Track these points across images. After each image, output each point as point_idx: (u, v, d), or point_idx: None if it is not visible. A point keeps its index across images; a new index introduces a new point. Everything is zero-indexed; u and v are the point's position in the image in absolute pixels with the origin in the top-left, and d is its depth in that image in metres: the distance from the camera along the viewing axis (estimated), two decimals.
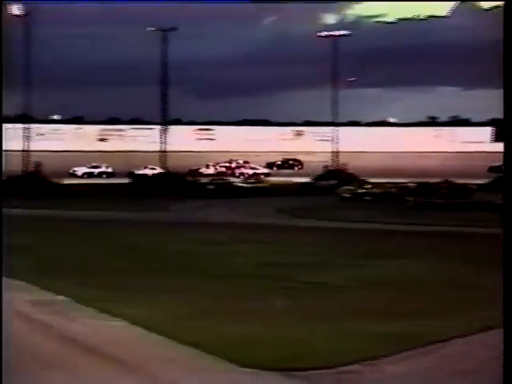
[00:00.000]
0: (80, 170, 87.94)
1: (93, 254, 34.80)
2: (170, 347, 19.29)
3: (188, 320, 21.54)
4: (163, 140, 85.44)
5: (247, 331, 19.49)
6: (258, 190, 72.86)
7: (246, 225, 50.17)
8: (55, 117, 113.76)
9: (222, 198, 68.29)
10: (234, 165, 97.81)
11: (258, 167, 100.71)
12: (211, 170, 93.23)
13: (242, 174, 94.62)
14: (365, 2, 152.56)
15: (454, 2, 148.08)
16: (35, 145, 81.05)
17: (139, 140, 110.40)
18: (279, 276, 28.66)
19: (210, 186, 73.79)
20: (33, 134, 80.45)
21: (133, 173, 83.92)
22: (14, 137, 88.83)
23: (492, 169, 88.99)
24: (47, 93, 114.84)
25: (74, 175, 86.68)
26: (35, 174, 74.66)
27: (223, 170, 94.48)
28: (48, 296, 24.99)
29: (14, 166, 75.35)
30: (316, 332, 19.36)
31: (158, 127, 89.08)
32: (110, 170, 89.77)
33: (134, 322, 21.36)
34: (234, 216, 56.08)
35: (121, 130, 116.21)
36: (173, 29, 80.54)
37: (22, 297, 24.76)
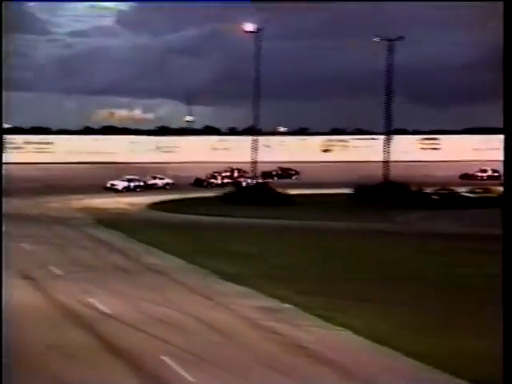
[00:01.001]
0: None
1: (317, 262, 35.21)
2: (393, 357, 19.28)
3: (418, 332, 21.41)
4: (386, 150, 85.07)
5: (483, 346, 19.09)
6: (486, 201, 70.58)
7: (471, 235, 48.88)
8: (281, 129, 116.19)
9: (448, 208, 66.99)
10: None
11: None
12: None
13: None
14: None
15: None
16: (261, 156, 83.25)
17: (362, 150, 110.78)
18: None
19: (435, 196, 72.73)
20: (260, 146, 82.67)
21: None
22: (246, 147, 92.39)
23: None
24: (274, 105, 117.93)
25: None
26: (264, 184, 76.65)
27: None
28: (274, 303, 25.58)
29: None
30: None
31: (382, 137, 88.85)
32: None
33: (358, 332, 21.55)
34: (459, 227, 54.76)
35: (344, 140, 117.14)
36: (400, 38, 79.94)
37: (250, 303, 25.51)
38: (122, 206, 61.81)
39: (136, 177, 78.70)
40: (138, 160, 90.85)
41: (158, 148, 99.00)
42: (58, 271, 29.56)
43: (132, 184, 76.57)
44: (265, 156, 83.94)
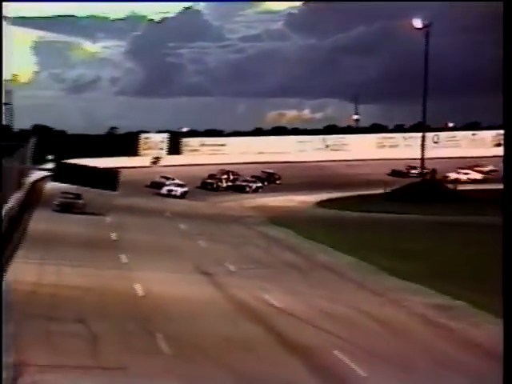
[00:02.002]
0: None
1: (484, 259, 34.34)
2: None
3: None
4: None
5: None
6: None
7: None
8: (450, 124, 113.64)
9: None
10: None
11: None
12: None
13: None
14: None
15: None
16: (432, 152, 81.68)
17: None
18: None
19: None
20: (429, 142, 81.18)
21: None
22: (411, 145, 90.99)
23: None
24: (442, 101, 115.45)
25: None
26: (431, 180, 75.24)
27: None
28: (445, 300, 25.31)
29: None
30: None
31: None
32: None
33: None
34: None
35: None
36: None
37: (421, 300, 25.33)
38: (292, 204, 62.35)
39: None
40: (306, 159, 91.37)
41: (326, 147, 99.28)
42: (232, 268, 30.20)
43: None
44: (434, 152, 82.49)
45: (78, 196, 44.95)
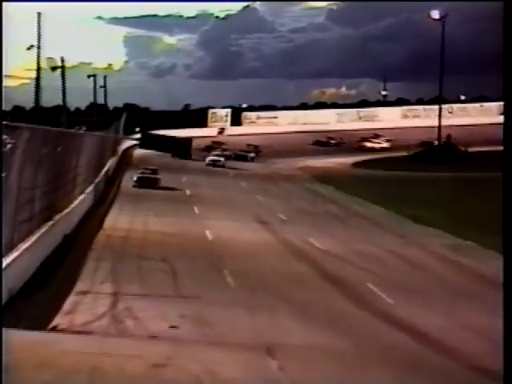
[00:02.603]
0: None
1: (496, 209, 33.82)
2: None
3: None
4: None
5: None
6: None
7: None
8: (462, 97, 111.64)
9: None
10: None
11: None
12: None
13: None
14: None
15: None
16: (447, 121, 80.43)
17: None
18: None
19: None
20: (445, 113, 80.00)
21: None
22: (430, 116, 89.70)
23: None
24: (455, 78, 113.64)
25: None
26: (447, 144, 74.25)
27: None
28: (458, 241, 25.17)
29: (432, 138, 75.90)
30: None
31: None
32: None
33: None
34: None
35: None
36: None
37: (438, 241, 25.23)
38: (331, 165, 62.17)
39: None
40: (344, 128, 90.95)
41: (360, 118, 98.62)
42: (283, 217, 30.38)
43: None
44: (449, 121, 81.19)
45: (154, 171, 41.07)
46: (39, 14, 49.73)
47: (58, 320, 12.32)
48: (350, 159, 66.11)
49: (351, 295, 17.20)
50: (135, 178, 38.64)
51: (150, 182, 37.79)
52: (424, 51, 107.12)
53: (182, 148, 61.92)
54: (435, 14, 69.64)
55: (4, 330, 10.02)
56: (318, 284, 18.26)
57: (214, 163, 56.09)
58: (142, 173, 40.01)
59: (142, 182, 37.35)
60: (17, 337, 10.56)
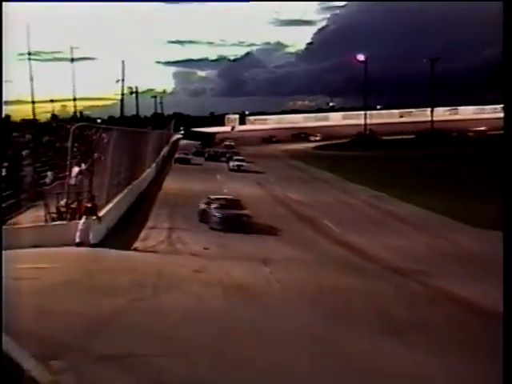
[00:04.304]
0: None
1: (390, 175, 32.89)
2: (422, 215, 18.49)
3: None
4: None
5: None
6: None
7: None
8: (378, 106, 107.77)
9: None
10: None
11: None
12: None
13: None
14: None
15: None
16: (370, 121, 76.85)
17: None
18: None
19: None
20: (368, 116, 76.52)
21: None
22: (360, 118, 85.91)
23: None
24: (376, 95, 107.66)
25: None
26: (370, 135, 71.49)
27: None
28: (377, 193, 25.03)
29: (361, 131, 72.93)
30: None
31: None
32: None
33: (420, 206, 20.75)
34: None
35: None
36: None
37: (365, 193, 24.82)
38: (301, 148, 60.81)
39: None
40: (308, 126, 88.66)
41: (317, 119, 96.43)
42: (272, 180, 30.01)
43: None
44: (372, 121, 77.51)
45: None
46: (123, 62, 47.16)
47: (137, 244, 12.48)
48: (311, 144, 65.47)
49: (314, 227, 17.27)
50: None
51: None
52: (356, 79, 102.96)
53: (208, 139, 62.16)
54: (361, 57, 67.72)
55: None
56: (292, 220, 18.23)
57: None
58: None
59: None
60: (114, 253, 10.75)
